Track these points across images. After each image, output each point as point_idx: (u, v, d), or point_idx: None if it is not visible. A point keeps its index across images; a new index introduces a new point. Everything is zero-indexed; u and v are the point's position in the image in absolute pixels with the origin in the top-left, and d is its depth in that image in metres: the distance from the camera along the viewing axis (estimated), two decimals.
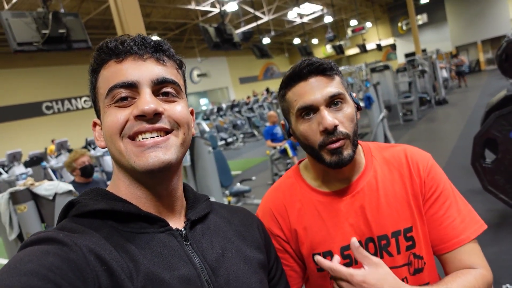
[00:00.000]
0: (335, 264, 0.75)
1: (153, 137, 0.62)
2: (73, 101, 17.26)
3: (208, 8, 15.87)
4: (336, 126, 0.81)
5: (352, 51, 27.41)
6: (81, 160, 3.32)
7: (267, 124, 7.73)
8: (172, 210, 0.70)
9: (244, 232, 0.79)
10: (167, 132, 0.64)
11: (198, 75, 23.48)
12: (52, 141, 13.53)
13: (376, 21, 24.48)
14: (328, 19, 19.72)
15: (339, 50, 17.86)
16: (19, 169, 9.09)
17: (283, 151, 6.41)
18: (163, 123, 0.63)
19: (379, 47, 21.95)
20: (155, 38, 0.68)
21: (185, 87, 0.73)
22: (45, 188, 2.68)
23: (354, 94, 0.92)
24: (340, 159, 0.82)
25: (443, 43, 22.62)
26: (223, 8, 11.43)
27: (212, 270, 0.65)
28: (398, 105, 9.95)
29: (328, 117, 0.81)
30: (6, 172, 9.29)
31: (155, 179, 0.65)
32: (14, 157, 9.31)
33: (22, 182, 2.79)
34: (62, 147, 10.27)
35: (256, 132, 14.66)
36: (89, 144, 10.67)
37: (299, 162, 1.03)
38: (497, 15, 21.15)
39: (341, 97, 0.84)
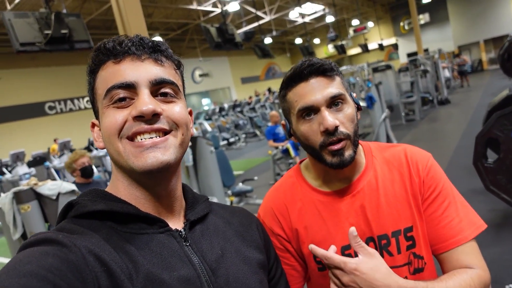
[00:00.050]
0: (328, 252, 0.76)
1: (152, 138, 0.62)
2: (75, 101, 17.33)
3: (209, 8, 15.89)
4: (336, 127, 0.81)
5: (354, 51, 27.38)
6: (81, 161, 3.34)
7: (269, 124, 7.73)
8: (171, 210, 0.70)
9: (243, 232, 0.79)
10: (165, 132, 0.63)
11: (200, 75, 23.51)
12: (55, 140, 13.58)
13: (378, 20, 24.44)
14: (329, 18, 19.70)
15: (341, 50, 17.85)
16: (22, 169, 9.13)
17: (285, 151, 6.41)
18: (161, 124, 0.63)
19: (381, 47, 21.93)
20: (154, 38, 0.68)
21: (184, 88, 0.73)
22: (49, 188, 2.69)
23: (354, 94, 0.92)
24: (341, 161, 0.83)
25: (445, 43, 22.55)
26: (224, 8, 11.45)
27: (211, 271, 0.65)
28: (400, 105, 9.93)
29: (329, 117, 0.81)
30: (10, 172, 9.35)
31: (154, 179, 0.65)
32: (18, 157, 9.36)
33: (26, 182, 2.81)
34: (65, 147, 10.31)
35: (258, 132, 14.67)
36: (91, 144, 10.72)
37: (300, 162, 1.04)
38: (500, 14, 21.08)
39: (342, 97, 0.84)
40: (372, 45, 23.79)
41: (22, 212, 2.67)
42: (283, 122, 0.97)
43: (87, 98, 17.42)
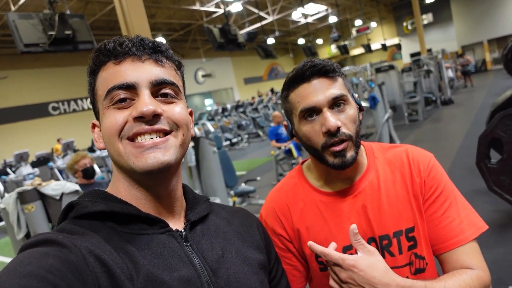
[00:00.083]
0: (328, 249, 0.77)
1: (152, 138, 0.62)
2: (79, 101, 17.39)
3: (212, 9, 15.92)
4: (338, 128, 0.82)
5: (357, 51, 27.34)
6: (82, 162, 3.37)
7: (272, 124, 7.73)
8: (172, 211, 0.70)
9: (244, 233, 0.79)
10: (166, 133, 0.63)
11: (203, 76, 23.54)
12: (58, 140, 13.65)
13: (381, 20, 24.39)
14: (332, 19, 19.69)
15: (344, 50, 17.85)
16: (26, 169, 9.18)
17: (288, 152, 6.40)
18: (162, 124, 0.63)
19: (384, 47, 21.88)
20: (156, 39, 0.68)
21: (184, 88, 0.73)
22: (52, 188, 2.71)
23: (356, 95, 0.92)
24: (343, 161, 0.83)
25: (449, 43, 22.48)
26: (227, 9, 11.46)
27: (212, 271, 0.65)
28: (404, 105, 9.90)
29: (331, 118, 0.81)
30: (14, 172, 9.39)
31: (154, 180, 0.65)
32: (21, 158, 9.40)
33: (30, 182, 2.82)
34: (68, 147, 10.35)
35: (261, 133, 14.66)
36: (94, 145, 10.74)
37: (302, 163, 1.04)
38: (503, 14, 20.98)
39: (344, 98, 0.84)
40: (375, 45, 23.75)
41: (26, 212, 2.68)
42: (285, 122, 0.97)
43: None
